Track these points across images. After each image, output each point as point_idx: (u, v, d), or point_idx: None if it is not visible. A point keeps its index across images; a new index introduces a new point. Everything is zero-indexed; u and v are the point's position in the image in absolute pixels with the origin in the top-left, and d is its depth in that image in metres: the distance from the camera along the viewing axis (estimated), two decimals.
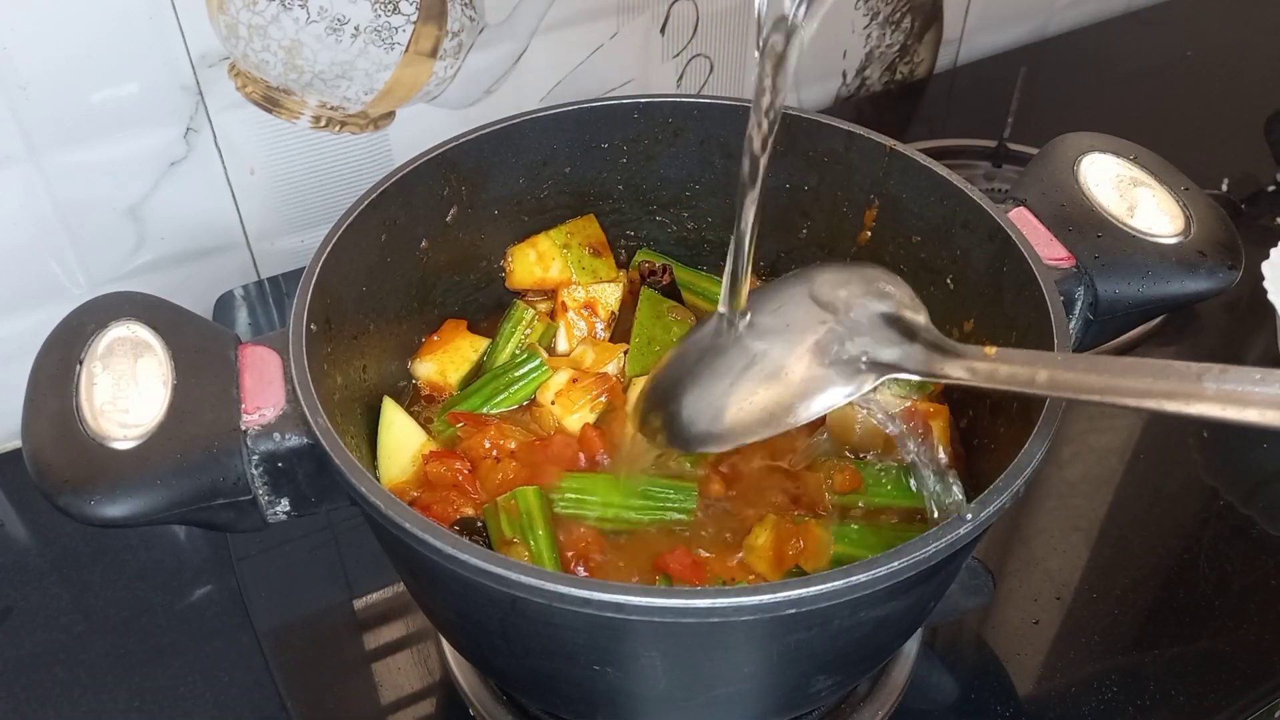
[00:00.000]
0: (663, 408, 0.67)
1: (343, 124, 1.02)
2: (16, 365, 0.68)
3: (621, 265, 0.90)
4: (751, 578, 0.68)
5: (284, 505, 0.64)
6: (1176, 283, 0.73)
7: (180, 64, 0.91)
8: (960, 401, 0.80)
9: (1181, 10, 1.62)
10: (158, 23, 0.88)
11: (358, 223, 0.72)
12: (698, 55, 1.21)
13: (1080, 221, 0.75)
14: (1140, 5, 1.62)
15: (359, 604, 0.86)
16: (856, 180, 0.83)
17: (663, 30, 1.16)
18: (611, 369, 0.81)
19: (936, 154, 0.82)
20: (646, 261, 0.88)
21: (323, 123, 1.01)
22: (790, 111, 0.83)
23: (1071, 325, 0.74)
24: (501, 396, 0.79)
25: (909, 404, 0.76)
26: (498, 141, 0.81)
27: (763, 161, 0.60)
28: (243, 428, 0.61)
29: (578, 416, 0.77)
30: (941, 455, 0.68)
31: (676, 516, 0.71)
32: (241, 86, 0.95)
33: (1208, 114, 1.41)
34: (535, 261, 0.87)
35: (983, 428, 0.76)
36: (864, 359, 0.62)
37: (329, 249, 0.69)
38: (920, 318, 0.64)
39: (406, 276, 0.80)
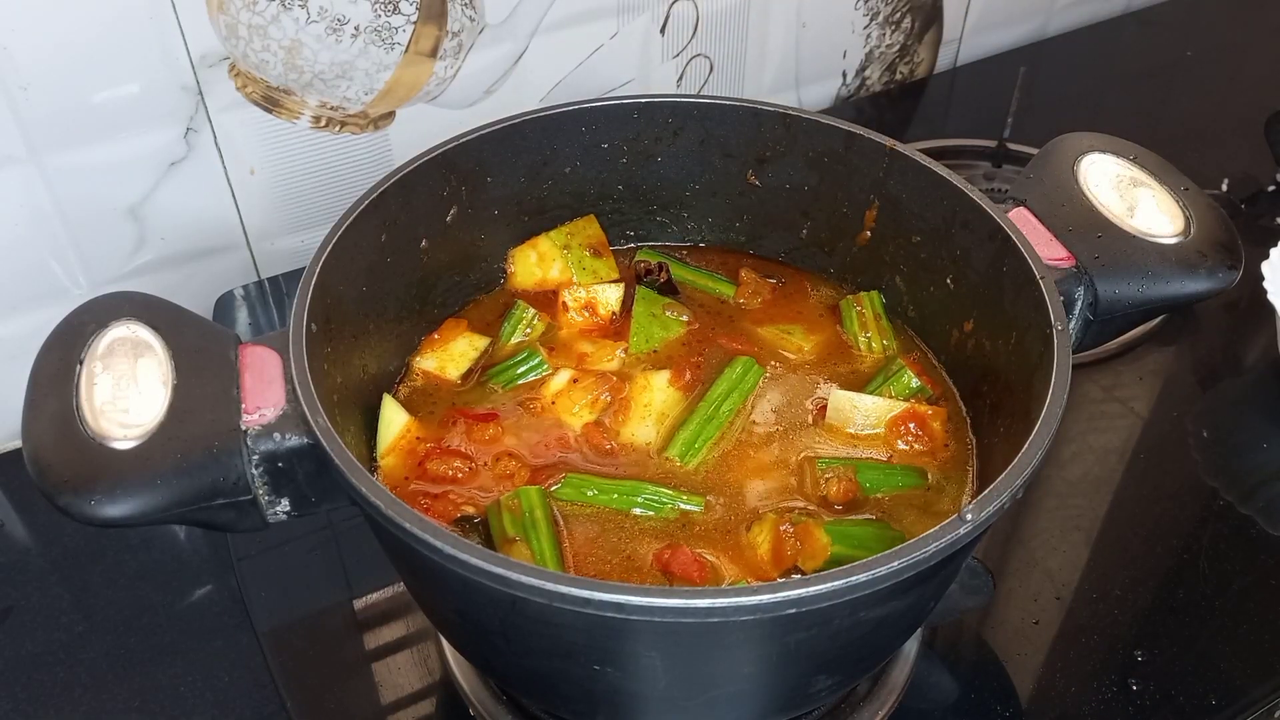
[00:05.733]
0: None
1: (343, 124, 1.02)
2: (16, 365, 0.68)
3: (622, 265, 0.90)
4: (751, 578, 0.68)
5: (284, 505, 0.64)
6: (1176, 283, 0.73)
7: (180, 64, 0.91)
8: (960, 399, 0.80)
9: (1181, 10, 1.62)
10: (158, 23, 0.88)
11: (358, 223, 0.72)
12: (698, 55, 1.21)
13: (1080, 221, 0.75)
14: (1140, 5, 1.62)
15: (359, 604, 0.86)
16: (856, 180, 0.83)
17: (663, 30, 1.16)
18: (612, 368, 0.81)
19: (936, 154, 0.82)
20: (642, 261, 0.88)
21: (323, 123, 1.01)
22: (790, 111, 0.83)
23: (1071, 325, 0.74)
24: (502, 395, 0.79)
25: (908, 405, 0.76)
26: (498, 141, 0.81)
27: None
28: (243, 428, 0.61)
29: (579, 416, 0.77)
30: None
31: (678, 517, 0.71)
32: (241, 86, 0.95)
33: (1208, 114, 1.41)
34: (536, 263, 0.87)
35: (983, 427, 0.76)
36: None
37: (329, 249, 0.69)
38: None
39: (406, 276, 0.80)
